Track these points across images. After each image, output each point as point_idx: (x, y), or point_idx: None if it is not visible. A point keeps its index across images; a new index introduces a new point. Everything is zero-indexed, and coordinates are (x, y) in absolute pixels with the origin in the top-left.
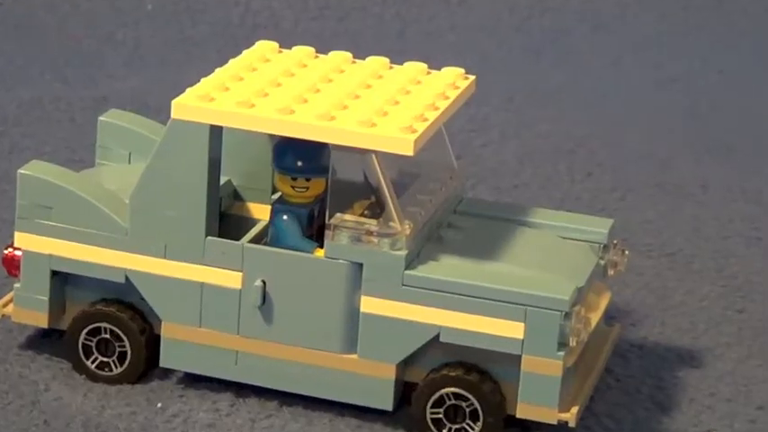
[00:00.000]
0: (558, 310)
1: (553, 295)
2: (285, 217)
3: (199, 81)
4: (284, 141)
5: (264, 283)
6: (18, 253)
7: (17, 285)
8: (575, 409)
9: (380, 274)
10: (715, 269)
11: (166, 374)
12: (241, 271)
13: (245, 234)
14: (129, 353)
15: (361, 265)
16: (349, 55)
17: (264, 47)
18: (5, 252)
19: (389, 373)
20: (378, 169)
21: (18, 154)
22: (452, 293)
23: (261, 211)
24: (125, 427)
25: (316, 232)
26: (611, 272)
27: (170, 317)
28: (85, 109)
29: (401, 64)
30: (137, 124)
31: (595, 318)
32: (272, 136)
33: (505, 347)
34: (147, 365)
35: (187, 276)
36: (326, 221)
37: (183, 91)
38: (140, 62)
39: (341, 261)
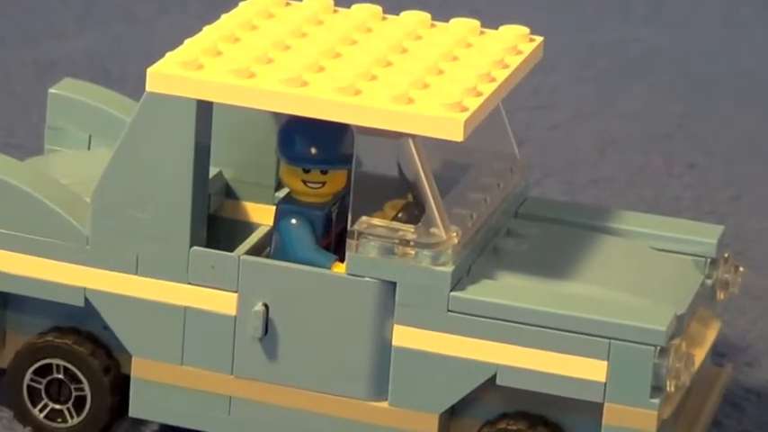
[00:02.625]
0: (652, 345)
1: (645, 325)
2: (294, 221)
3: (181, 42)
4: (293, 123)
5: (267, 307)
6: None
7: None
8: None
9: (419, 297)
10: None
11: (137, 427)
12: (236, 292)
13: (241, 243)
14: (88, 398)
15: (393, 284)
16: (378, 9)
17: None
18: None
19: (430, 426)
20: (416, 159)
21: None
22: (512, 322)
23: (262, 214)
24: None
25: (334, 241)
26: (720, 295)
27: (143, 351)
28: (27, 77)
29: (446, 20)
30: (98, 98)
31: (700, 355)
32: (277, 115)
33: (582, 393)
34: (112, 415)
35: (166, 299)
36: (349, 227)
37: (156, 54)
38: (98, 16)
39: (367, 279)
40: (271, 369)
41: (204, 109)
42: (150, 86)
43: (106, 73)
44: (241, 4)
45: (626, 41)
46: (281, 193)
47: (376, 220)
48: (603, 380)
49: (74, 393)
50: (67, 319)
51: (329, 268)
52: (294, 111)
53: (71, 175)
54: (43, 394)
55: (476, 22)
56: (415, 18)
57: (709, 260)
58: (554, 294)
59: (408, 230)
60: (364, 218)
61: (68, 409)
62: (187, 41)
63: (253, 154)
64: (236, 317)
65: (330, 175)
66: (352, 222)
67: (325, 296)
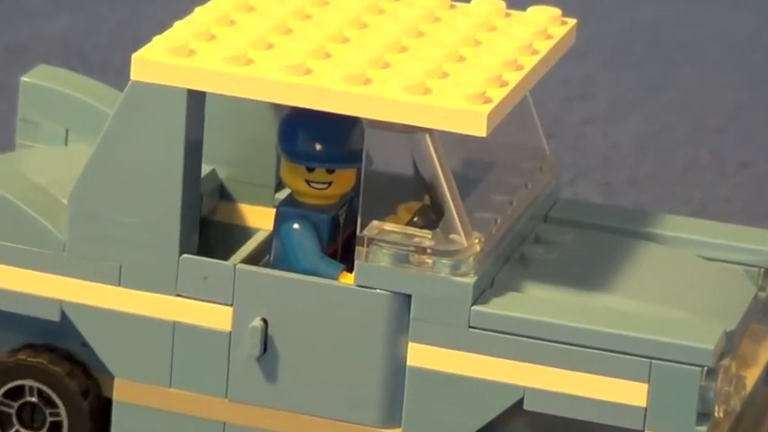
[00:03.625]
0: (698, 366)
1: (690, 343)
2: (296, 226)
3: (170, 25)
4: (296, 116)
5: (266, 322)
6: None
7: None
8: None
9: (437, 311)
10: None
11: None
12: (231, 305)
13: (236, 250)
14: (65, 424)
15: (408, 297)
16: None
17: None
18: None
19: None
20: (433, 156)
21: None
22: (542, 340)
23: (260, 217)
24: None
25: (342, 248)
26: None
27: (126, 372)
28: None
29: (468, 1)
30: (76, 87)
31: (753, 377)
32: (277, 108)
33: (620, 419)
34: None
35: (152, 313)
36: (358, 232)
37: (141, 38)
38: None
39: (379, 291)
40: (270, 392)
41: (196, 100)
42: (135, 74)
43: (85, 59)
44: None
45: (669, 23)
46: (282, 195)
47: (388, 225)
48: (644, 405)
49: (48, 419)
50: (41, 336)
51: (336, 279)
52: (297, 102)
53: (46, 173)
54: (14, 419)
55: (501, 3)
56: None
57: (762, 270)
58: (588, 309)
59: (425, 236)
60: (375, 222)
61: None
62: (177, 24)
63: (250, 150)
64: (231, 333)
65: (337, 175)
66: (362, 227)
67: (330, 310)
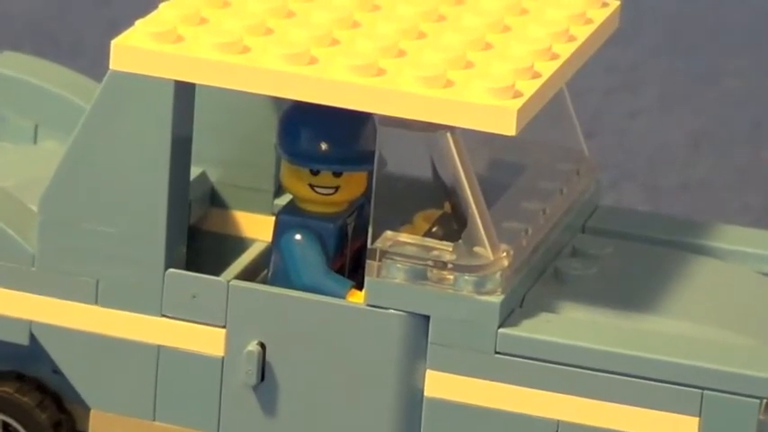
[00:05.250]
0: (756, 398)
1: (747, 372)
2: (298, 236)
3: (155, 6)
4: (298, 111)
5: (263, 347)
6: None
7: None
8: None
9: (459, 335)
10: None
11: None
12: (224, 327)
13: (230, 264)
14: None
15: (426, 318)
16: None
17: None
18: None
19: None
20: (455, 158)
21: None
22: (578, 367)
23: (257, 226)
24: None
25: (350, 262)
26: None
27: (104, 403)
28: None
29: None
30: (46, 77)
31: None
32: (277, 102)
33: None
34: None
35: (134, 335)
36: (369, 244)
37: (121, 21)
38: None
39: (392, 312)
40: (267, 426)
41: (184, 92)
42: (115, 63)
43: (56, 44)
44: None
45: (726, 4)
46: (282, 201)
47: (403, 236)
48: None
49: None
50: (8, 362)
51: (343, 297)
52: (299, 95)
53: (12, 175)
54: None
55: None
56: None
57: None
58: (631, 332)
59: (445, 249)
60: (389, 233)
61: None
62: (162, 5)
63: (246, 151)
64: (223, 359)
65: (345, 179)
66: (374, 239)
67: (337, 333)
